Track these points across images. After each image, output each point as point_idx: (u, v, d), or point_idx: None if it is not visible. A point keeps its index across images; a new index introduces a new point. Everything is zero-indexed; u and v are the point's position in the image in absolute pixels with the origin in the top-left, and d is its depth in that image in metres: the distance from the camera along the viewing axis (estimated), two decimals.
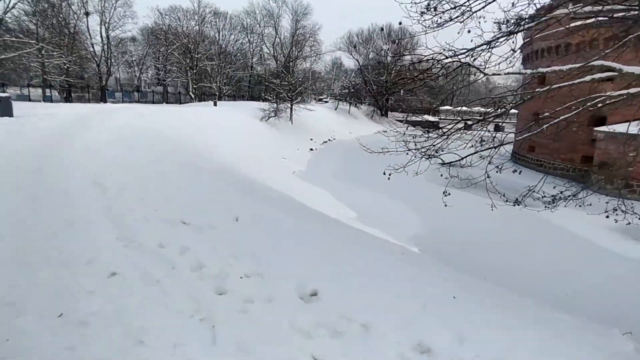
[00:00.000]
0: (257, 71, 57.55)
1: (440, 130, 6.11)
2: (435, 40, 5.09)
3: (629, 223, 5.96)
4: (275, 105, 32.26)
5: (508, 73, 6.18)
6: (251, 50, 55.96)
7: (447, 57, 5.19)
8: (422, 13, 5.18)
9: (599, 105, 5.27)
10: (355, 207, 14.28)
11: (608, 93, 5.18)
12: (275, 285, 4.04)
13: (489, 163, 6.18)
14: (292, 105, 34.69)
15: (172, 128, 14.88)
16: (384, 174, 6.38)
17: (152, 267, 4.12)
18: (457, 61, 5.14)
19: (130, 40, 47.11)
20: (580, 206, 6.27)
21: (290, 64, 49.23)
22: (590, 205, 6.35)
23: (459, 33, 5.29)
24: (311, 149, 31.38)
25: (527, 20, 5.16)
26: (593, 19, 5.71)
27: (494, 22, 5.41)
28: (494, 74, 5.50)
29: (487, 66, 5.83)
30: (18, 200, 5.66)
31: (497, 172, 6.02)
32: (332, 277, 4.33)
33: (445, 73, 5.65)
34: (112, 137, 11.29)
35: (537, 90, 5.81)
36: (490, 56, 5.49)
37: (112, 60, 37.09)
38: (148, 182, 7.32)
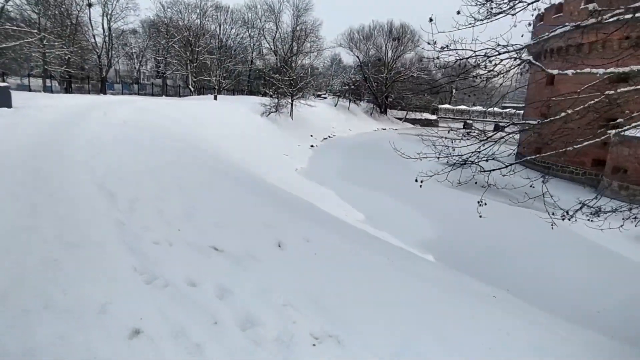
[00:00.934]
0: (257, 66, 57.41)
1: (483, 135, 5.95)
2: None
3: None
4: (276, 100, 32.28)
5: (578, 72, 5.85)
6: (251, 44, 55.83)
7: (499, 53, 5.15)
8: (478, 4, 5.11)
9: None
10: (361, 208, 14.11)
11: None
12: (362, 357, 2.95)
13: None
14: (292, 100, 34.75)
15: (176, 123, 14.84)
16: (416, 180, 6.24)
17: (186, 319, 3.09)
18: (515, 58, 5.06)
19: (131, 33, 46.89)
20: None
21: (293, 57, 49.20)
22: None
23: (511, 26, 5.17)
24: (312, 146, 31.49)
25: None
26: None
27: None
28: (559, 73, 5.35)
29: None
30: (13, 213, 4.77)
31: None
32: (438, 346, 3.21)
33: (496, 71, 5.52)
34: (116, 134, 10.83)
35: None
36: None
37: (113, 52, 36.96)
38: (163, 190, 6.50)
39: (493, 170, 6.70)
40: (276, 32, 54.86)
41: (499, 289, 6.75)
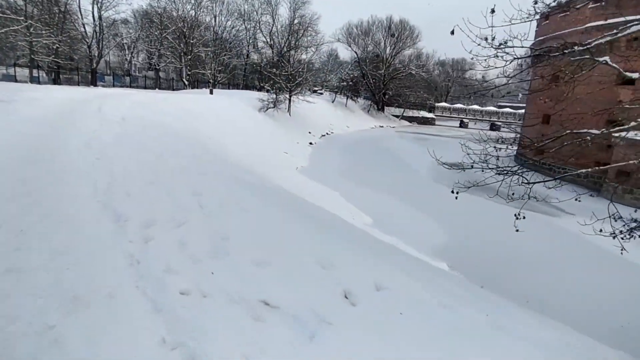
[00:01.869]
0: (253, 60, 56.18)
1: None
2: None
3: None
4: (274, 95, 31.39)
5: None
6: (247, 38, 54.54)
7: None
8: None
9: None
10: (367, 210, 13.69)
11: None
12: None
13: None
14: (290, 96, 33.88)
15: (177, 120, 13.80)
16: (452, 192, 5.64)
17: None
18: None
19: (123, 22, 45.26)
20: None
21: (291, 52, 48.14)
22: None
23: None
24: (310, 143, 30.80)
25: None
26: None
27: None
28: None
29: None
30: None
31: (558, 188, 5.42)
32: None
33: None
34: (116, 133, 9.64)
35: None
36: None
37: (104, 42, 35.45)
38: (181, 209, 5.26)
39: (537, 182, 6.21)
40: (273, 25, 53.70)
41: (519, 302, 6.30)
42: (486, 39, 4.82)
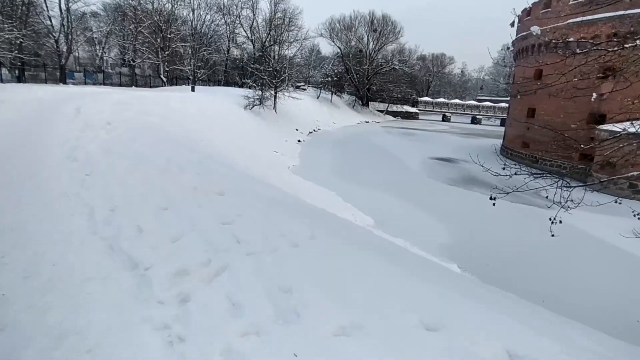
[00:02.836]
0: (234, 55, 54.37)
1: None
2: None
3: None
4: (260, 92, 30.14)
5: None
6: (227, 32, 52.62)
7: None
8: None
9: None
10: (367, 210, 13.15)
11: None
12: None
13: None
14: (276, 92, 32.69)
15: (167, 121, 12.40)
16: (491, 198, 5.04)
17: None
18: None
19: (92, 16, 42.56)
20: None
21: (275, 47, 46.71)
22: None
23: None
24: (299, 141, 29.86)
25: None
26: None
27: None
28: None
29: None
30: None
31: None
32: None
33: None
34: (104, 140, 8.14)
35: None
36: None
37: (73, 37, 32.98)
38: (214, 247, 4.03)
39: (579, 185, 5.74)
40: (253, 19, 52.03)
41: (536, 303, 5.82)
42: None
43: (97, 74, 41.51)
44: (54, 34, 30.81)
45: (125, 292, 3.14)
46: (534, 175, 5.51)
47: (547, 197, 5.29)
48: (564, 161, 22.61)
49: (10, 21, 26.07)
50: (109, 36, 43.99)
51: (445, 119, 63.14)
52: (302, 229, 4.81)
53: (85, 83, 37.24)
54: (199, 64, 43.70)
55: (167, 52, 38.66)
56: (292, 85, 47.48)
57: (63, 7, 30.45)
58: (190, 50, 43.12)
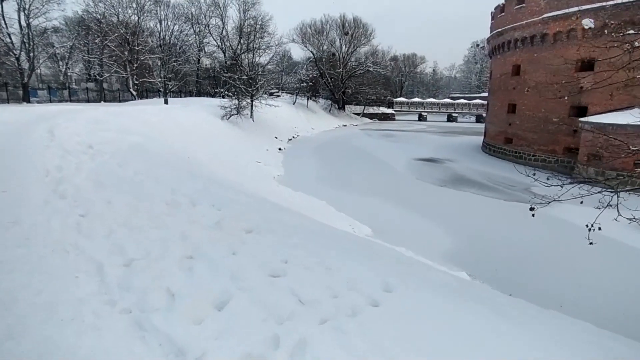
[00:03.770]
0: (205, 65, 53.43)
1: None
2: None
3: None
4: (237, 101, 29.62)
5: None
6: (197, 42, 51.68)
7: None
8: None
9: None
10: (362, 218, 12.85)
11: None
12: None
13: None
14: (252, 101, 32.25)
15: (150, 140, 11.52)
16: (531, 209, 4.77)
17: None
18: None
19: (54, 31, 40.77)
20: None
21: (247, 54, 46.12)
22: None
23: None
24: (280, 149, 29.56)
25: None
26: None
27: None
28: None
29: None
30: None
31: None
32: None
33: None
34: (91, 170, 7.14)
35: None
36: None
37: (35, 54, 31.42)
38: (277, 309, 3.27)
39: (625, 190, 5.45)
40: (223, 28, 51.35)
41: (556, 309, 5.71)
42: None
43: (62, 90, 39.77)
44: (14, 51, 29.28)
45: None
46: (590, 185, 5.10)
47: (582, 202, 4.84)
48: (548, 155, 23.21)
49: None
50: (72, 51, 42.23)
51: (421, 118, 64.25)
52: (364, 273, 4.06)
53: (51, 101, 35.60)
54: (170, 76, 42.68)
55: (135, 65, 37.51)
56: (266, 93, 47.16)
57: (23, 23, 29.01)
58: (159, 62, 42.03)
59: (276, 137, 33.22)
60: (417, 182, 19.70)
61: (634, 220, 4.49)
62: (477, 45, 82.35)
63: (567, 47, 21.73)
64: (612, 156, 18.00)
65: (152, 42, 43.37)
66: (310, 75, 49.67)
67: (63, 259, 3.82)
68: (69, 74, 49.44)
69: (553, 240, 11.65)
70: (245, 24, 50.49)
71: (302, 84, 47.69)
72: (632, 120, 16.16)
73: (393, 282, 3.87)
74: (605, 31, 19.06)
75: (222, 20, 51.02)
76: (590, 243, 5.16)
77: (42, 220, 4.65)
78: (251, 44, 48.00)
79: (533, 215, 5.05)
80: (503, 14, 27.48)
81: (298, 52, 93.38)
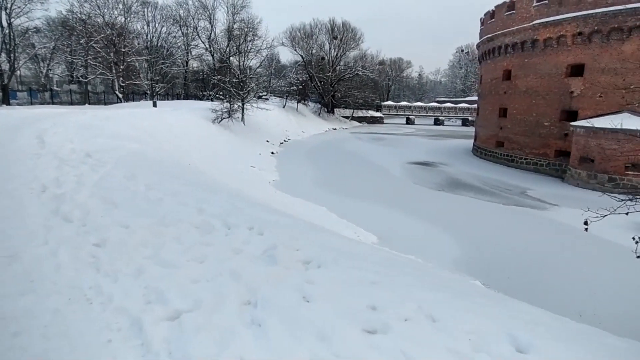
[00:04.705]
0: (193, 67, 52.63)
1: None
2: None
3: None
4: (228, 105, 29.15)
5: None
6: (185, 44, 50.86)
7: None
8: None
9: None
10: (365, 225, 12.63)
11: None
12: None
13: None
14: (243, 104, 31.82)
15: (146, 145, 10.94)
16: (585, 223, 4.54)
17: None
18: None
19: (35, 31, 39.47)
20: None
21: (237, 57, 45.58)
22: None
23: None
24: (272, 153, 29.22)
25: None
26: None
27: None
28: None
29: None
30: None
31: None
32: None
33: None
34: (96, 182, 6.27)
35: None
36: None
37: (16, 54, 30.28)
38: None
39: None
40: (211, 31, 50.69)
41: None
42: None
43: (43, 92, 38.42)
44: None
45: None
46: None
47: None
48: (540, 158, 23.45)
49: None
50: (54, 52, 40.95)
51: (409, 121, 64.74)
52: (479, 322, 3.16)
53: (32, 103, 34.30)
54: (157, 78, 41.82)
55: (122, 67, 36.60)
56: (255, 96, 46.67)
57: (4, 23, 27.92)
58: (146, 64, 41.14)
59: (267, 141, 32.83)
60: (415, 186, 19.59)
61: None
62: (462, 50, 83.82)
63: (557, 53, 22.12)
64: (604, 160, 18.27)
65: (139, 44, 42.49)
66: (300, 79, 49.41)
67: (85, 312, 2.89)
68: (50, 75, 47.91)
69: (559, 245, 11.62)
70: (235, 27, 50.00)
71: (292, 87, 47.38)
72: (625, 124, 16.50)
73: (522, 337, 3.01)
74: (594, 38, 19.46)
75: (210, 23, 50.43)
76: (638, 257, 4.96)
77: (47, 253, 3.69)
78: (241, 47, 47.51)
79: (586, 229, 4.82)
80: (493, 20, 27.80)
81: (286, 56, 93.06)
